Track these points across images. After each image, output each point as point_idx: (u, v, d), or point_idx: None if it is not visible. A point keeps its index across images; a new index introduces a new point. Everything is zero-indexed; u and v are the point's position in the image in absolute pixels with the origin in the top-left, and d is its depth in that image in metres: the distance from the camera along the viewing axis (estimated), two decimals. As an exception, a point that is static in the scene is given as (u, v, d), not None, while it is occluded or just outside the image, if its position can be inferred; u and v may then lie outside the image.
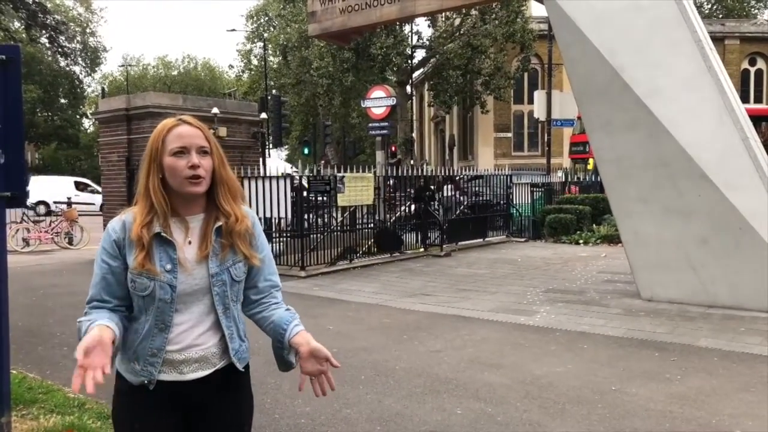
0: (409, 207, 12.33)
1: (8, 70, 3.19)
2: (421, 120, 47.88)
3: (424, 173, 12.88)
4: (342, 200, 10.05)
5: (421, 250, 11.87)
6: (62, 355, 5.27)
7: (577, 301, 7.20)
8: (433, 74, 28.95)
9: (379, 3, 9.37)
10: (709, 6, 42.88)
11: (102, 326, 1.54)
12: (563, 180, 17.61)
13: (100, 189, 17.81)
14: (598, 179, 13.04)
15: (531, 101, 30.59)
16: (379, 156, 16.43)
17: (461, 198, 13.83)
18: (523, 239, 14.09)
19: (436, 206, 12.66)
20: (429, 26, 28.53)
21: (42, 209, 25.81)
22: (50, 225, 14.27)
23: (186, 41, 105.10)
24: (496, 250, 12.53)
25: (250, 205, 2.09)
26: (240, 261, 1.73)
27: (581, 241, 12.96)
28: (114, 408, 1.76)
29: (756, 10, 44.03)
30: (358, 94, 24.49)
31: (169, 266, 1.63)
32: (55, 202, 24.83)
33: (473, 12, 24.68)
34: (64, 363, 5.03)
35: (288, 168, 17.82)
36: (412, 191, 12.29)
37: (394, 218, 11.94)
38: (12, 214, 12.83)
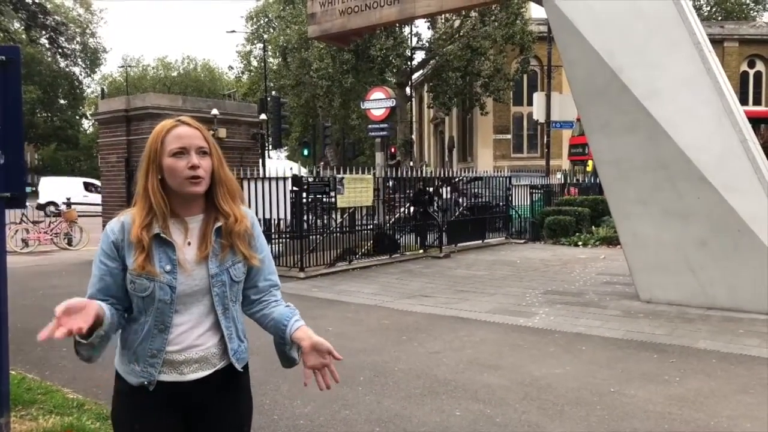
0: (408, 208, 12.34)
1: (8, 71, 3.20)
2: (421, 121, 47.91)
3: (423, 175, 12.89)
4: (341, 201, 10.05)
5: (420, 251, 11.88)
6: (61, 356, 5.26)
7: (576, 302, 7.20)
8: (432, 76, 28.99)
9: (378, 5, 9.38)
10: (708, 8, 42.97)
11: (92, 300, 1.55)
12: (562, 182, 17.63)
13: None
14: (597, 181, 13.06)
15: (530, 103, 30.62)
16: (379, 157, 16.42)
17: (460, 200, 13.84)
18: (522, 241, 14.10)
19: (435, 208, 12.66)
20: (428, 28, 28.57)
21: (51, 210, 25.93)
22: (49, 226, 14.26)
23: (186, 42, 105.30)
24: (495, 251, 12.54)
25: (250, 207, 2.10)
26: (239, 261, 1.74)
27: (580, 243, 12.97)
28: (113, 409, 1.76)
29: (755, 13, 44.14)
30: (357, 96, 24.50)
31: (168, 267, 1.64)
32: (63, 203, 24.92)
33: (473, 14, 24.70)
34: (63, 364, 5.03)
35: (296, 170, 17.76)
36: (411, 193, 12.30)
37: (393, 220, 11.94)
38: (11, 214, 12.82)
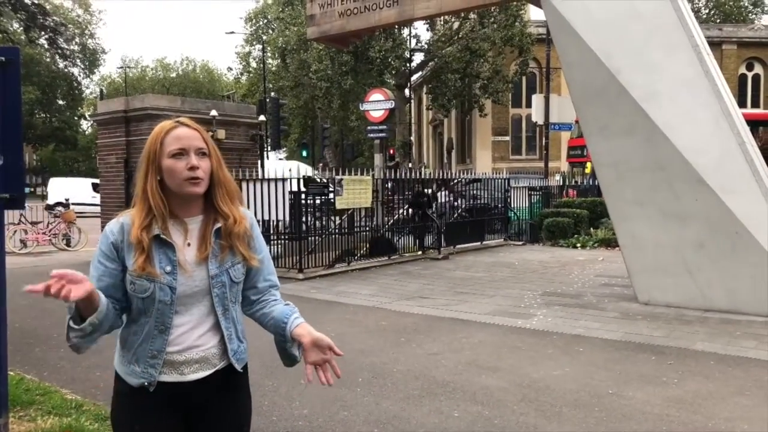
0: (407, 210, 12.34)
1: (7, 72, 3.20)
2: (420, 123, 47.95)
3: (421, 176, 12.90)
4: (340, 203, 10.06)
5: (419, 253, 11.88)
6: (60, 356, 5.26)
7: (575, 304, 7.21)
8: (431, 77, 29.05)
9: (378, 6, 9.40)
10: (707, 11, 43.07)
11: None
12: (561, 183, 17.66)
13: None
14: (596, 183, 13.07)
15: (529, 105, 30.70)
16: (378, 159, 16.44)
17: (458, 201, 13.84)
18: (520, 243, 14.11)
19: (433, 210, 12.67)
20: (428, 30, 28.65)
21: (60, 210, 25.98)
22: (48, 226, 14.25)
23: (185, 43, 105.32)
24: (493, 253, 12.55)
25: (248, 208, 2.10)
26: (239, 262, 1.74)
27: (579, 245, 12.99)
28: (113, 410, 1.77)
29: (753, 15, 44.24)
30: (356, 97, 24.54)
31: (168, 268, 1.64)
32: (73, 204, 25.01)
33: (472, 16, 24.75)
34: (61, 365, 5.03)
35: (310, 172, 17.70)
36: (410, 194, 12.30)
37: (391, 221, 11.95)
38: (9, 215, 12.81)
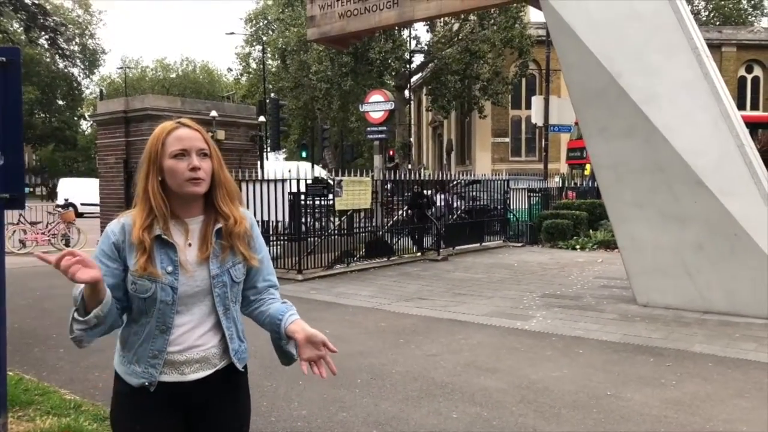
0: (406, 212, 12.35)
1: (8, 72, 3.21)
2: (419, 124, 47.98)
3: (420, 178, 12.90)
4: (340, 204, 10.06)
5: (418, 254, 11.89)
6: (59, 357, 5.26)
7: (574, 306, 7.22)
8: (431, 79, 29.06)
9: (377, 8, 9.41)
10: (707, 13, 43.11)
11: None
12: (560, 185, 17.67)
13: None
14: (595, 185, 13.09)
15: (529, 106, 30.72)
16: (377, 160, 16.45)
17: (458, 203, 13.84)
18: (520, 244, 14.12)
19: (432, 211, 12.67)
20: (427, 31, 28.69)
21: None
22: (47, 227, 14.25)
23: (184, 44, 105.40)
24: (492, 254, 12.55)
25: (248, 209, 2.10)
26: (239, 262, 1.75)
27: (578, 247, 12.99)
28: (113, 410, 1.77)
29: (753, 18, 44.29)
30: (356, 98, 24.56)
31: (170, 268, 1.65)
32: (82, 204, 25.07)
33: (472, 17, 24.77)
34: (60, 365, 5.03)
35: (323, 173, 17.66)
36: (409, 196, 12.30)
37: (390, 222, 11.95)
38: (7, 215, 12.81)
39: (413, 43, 27.50)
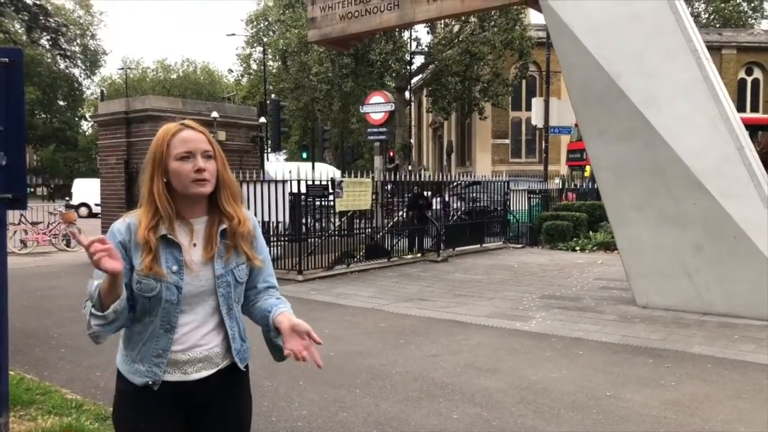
0: (406, 213, 12.36)
1: (11, 73, 3.22)
2: (420, 126, 48.00)
3: (420, 179, 12.91)
4: (340, 205, 10.08)
5: (418, 255, 11.90)
6: (60, 356, 5.28)
7: (573, 307, 7.23)
8: (431, 80, 29.06)
9: (378, 10, 9.43)
10: (707, 16, 43.14)
11: None
12: (560, 187, 17.68)
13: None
14: (595, 186, 13.11)
15: (529, 108, 30.73)
16: (378, 161, 16.46)
17: (458, 204, 13.85)
18: (519, 245, 14.13)
19: (431, 212, 12.68)
20: (428, 33, 28.68)
21: (84, 211, 26.22)
22: (48, 227, 14.27)
23: (185, 45, 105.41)
24: (492, 256, 12.56)
25: (249, 209, 2.11)
26: (243, 263, 1.77)
27: (578, 248, 13.01)
28: (115, 409, 1.78)
29: (753, 20, 44.31)
30: (356, 100, 24.57)
31: (175, 268, 1.67)
32: (96, 204, 25.16)
33: (472, 19, 24.79)
34: (61, 364, 5.04)
35: (337, 173, 17.60)
36: (408, 197, 12.31)
37: (390, 224, 11.96)
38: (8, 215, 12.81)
39: (414, 44, 27.51)
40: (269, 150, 28.76)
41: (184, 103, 13.08)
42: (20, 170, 3.33)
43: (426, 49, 28.55)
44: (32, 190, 47.25)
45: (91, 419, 3.63)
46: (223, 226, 1.73)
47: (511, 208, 14.67)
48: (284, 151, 43.17)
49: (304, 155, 29.54)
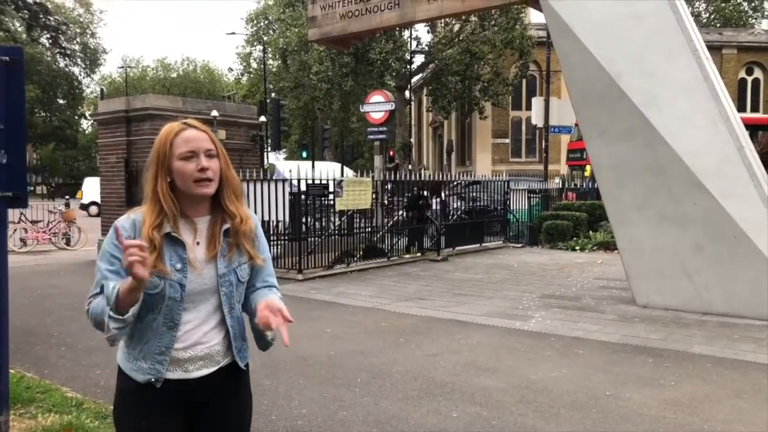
0: (405, 213, 12.35)
1: (11, 72, 3.22)
2: (420, 125, 47.99)
3: (419, 178, 12.91)
4: (340, 204, 10.08)
5: (418, 254, 11.90)
6: (60, 355, 5.28)
7: (573, 306, 7.23)
8: (431, 80, 29.07)
9: (379, 9, 9.43)
10: (707, 15, 43.13)
11: None
12: (560, 186, 17.67)
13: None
14: (595, 186, 13.11)
15: (529, 108, 30.72)
16: (378, 160, 16.48)
17: (458, 203, 13.84)
18: (519, 245, 14.13)
19: (430, 212, 12.67)
20: (428, 32, 28.68)
21: (94, 210, 26.27)
22: (48, 225, 14.28)
23: (185, 44, 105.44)
24: (492, 255, 12.57)
25: (248, 208, 2.09)
26: (245, 262, 1.78)
27: (578, 248, 13.01)
28: (116, 407, 1.78)
29: (753, 20, 44.31)
30: (357, 99, 24.57)
31: (179, 265, 1.67)
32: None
33: (472, 18, 24.78)
34: (61, 363, 5.05)
35: (350, 173, 17.61)
36: (407, 197, 12.29)
37: (390, 222, 11.96)
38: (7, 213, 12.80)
39: (414, 43, 27.52)
40: (269, 149, 28.77)
41: (184, 101, 13.09)
42: (21, 168, 3.34)
43: (426, 48, 28.55)
44: (32, 188, 47.27)
45: (91, 417, 3.64)
46: (227, 225, 1.74)
47: (511, 208, 14.67)
48: (284, 150, 43.16)
49: (304, 154, 29.55)
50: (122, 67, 55.98)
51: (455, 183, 14.38)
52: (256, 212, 9.25)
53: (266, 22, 40.06)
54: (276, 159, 29.72)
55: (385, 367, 4.88)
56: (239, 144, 12.40)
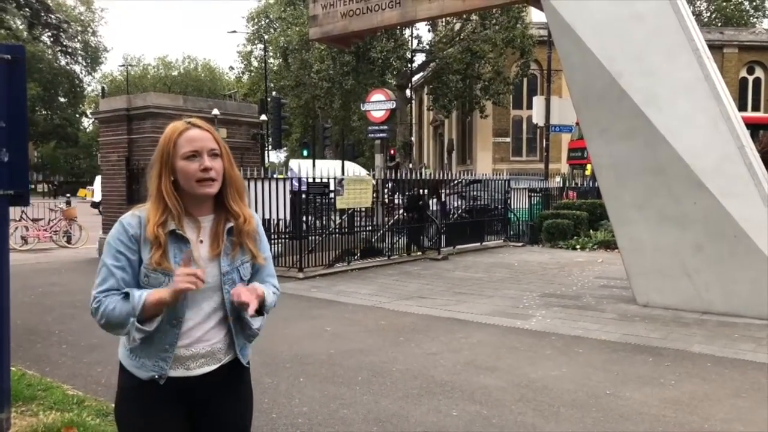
0: (404, 215, 12.34)
1: (13, 70, 3.23)
2: (420, 124, 47.97)
3: (419, 177, 12.89)
4: (341, 203, 10.08)
5: (419, 253, 11.90)
6: (61, 352, 5.30)
7: (573, 305, 7.24)
8: (432, 78, 29.08)
9: (380, 7, 9.43)
10: (708, 14, 43.09)
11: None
12: (561, 185, 17.66)
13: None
14: (596, 185, 13.10)
15: (530, 106, 30.70)
16: (378, 159, 16.45)
17: (458, 202, 13.83)
18: (520, 244, 14.13)
19: (430, 213, 12.65)
20: (429, 31, 28.68)
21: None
22: (49, 223, 14.29)
23: (186, 42, 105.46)
24: (493, 254, 12.57)
25: (249, 207, 2.07)
26: (247, 261, 1.80)
27: (578, 247, 13.01)
28: (118, 404, 1.79)
29: (755, 19, 44.26)
30: (357, 97, 24.57)
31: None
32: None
33: (473, 17, 24.77)
34: (63, 360, 5.06)
35: (362, 172, 17.57)
36: (405, 200, 12.28)
37: (391, 222, 11.96)
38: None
39: (415, 42, 27.53)
40: (270, 147, 28.77)
41: (185, 100, 13.09)
42: (23, 167, 3.35)
43: (427, 47, 28.55)
44: (33, 186, 47.33)
45: (92, 415, 3.65)
46: (230, 223, 1.76)
47: (512, 207, 14.67)
48: (285, 148, 43.18)
49: (305, 153, 29.54)
50: (123, 65, 56.02)
51: (456, 182, 14.38)
52: (256, 211, 9.30)
53: (267, 20, 40.05)
54: (277, 158, 29.73)
55: (386, 366, 4.89)
56: (240, 142, 12.40)
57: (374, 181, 11.02)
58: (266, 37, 37.67)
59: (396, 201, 12.55)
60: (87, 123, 59.80)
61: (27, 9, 28.60)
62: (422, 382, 4.48)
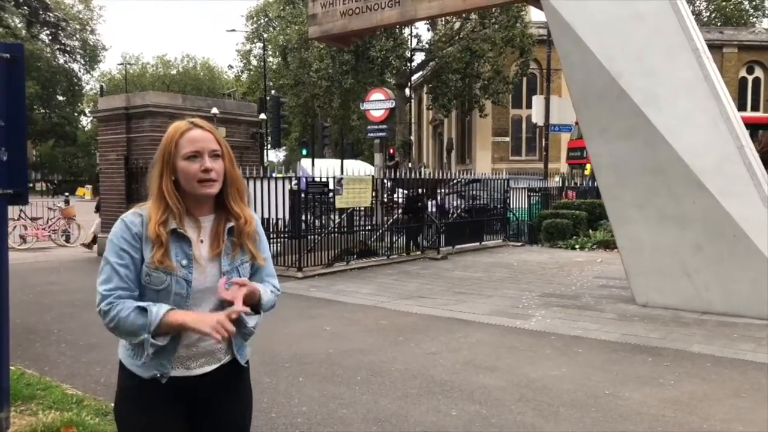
0: (402, 216, 12.33)
1: (12, 69, 3.22)
2: (420, 123, 47.97)
3: (419, 176, 12.89)
4: (340, 202, 10.07)
5: (418, 252, 11.90)
6: (60, 351, 5.29)
7: (573, 305, 7.24)
8: (432, 77, 29.07)
9: (379, 6, 9.42)
10: (708, 14, 43.11)
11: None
12: (560, 185, 17.67)
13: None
14: (595, 185, 13.10)
15: (529, 106, 30.73)
16: (378, 158, 16.44)
17: (458, 202, 13.83)
18: (519, 243, 14.13)
19: (429, 213, 12.64)
20: (429, 30, 28.66)
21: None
22: (48, 222, 14.27)
23: (185, 41, 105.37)
24: (492, 253, 12.57)
25: (248, 206, 2.05)
26: (247, 261, 1.80)
27: (577, 246, 13.01)
28: (118, 403, 1.79)
29: (754, 19, 44.29)
30: (357, 96, 24.55)
31: (185, 262, 1.69)
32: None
33: (473, 16, 24.77)
34: (62, 360, 5.05)
35: (368, 170, 17.53)
36: (405, 197, 12.27)
37: (390, 221, 11.95)
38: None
39: (414, 41, 27.52)
40: (269, 146, 28.76)
41: (184, 99, 13.07)
42: (21, 166, 3.34)
43: (426, 46, 28.54)
44: (31, 185, 47.24)
45: (91, 414, 3.64)
46: (230, 224, 1.76)
47: (511, 206, 14.67)
48: (284, 147, 43.18)
49: (304, 152, 29.54)
50: (122, 63, 55.94)
51: (455, 181, 14.37)
52: (255, 210, 9.28)
53: (266, 19, 40.04)
54: (276, 157, 29.71)
55: (385, 365, 4.88)
56: (239, 141, 12.39)
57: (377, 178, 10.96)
58: (265, 35, 37.64)
59: (395, 198, 12.53)
60: (85, 122, 59.75)
61: (25, 7, 28.55)
62: (421, 382, 4.48)
